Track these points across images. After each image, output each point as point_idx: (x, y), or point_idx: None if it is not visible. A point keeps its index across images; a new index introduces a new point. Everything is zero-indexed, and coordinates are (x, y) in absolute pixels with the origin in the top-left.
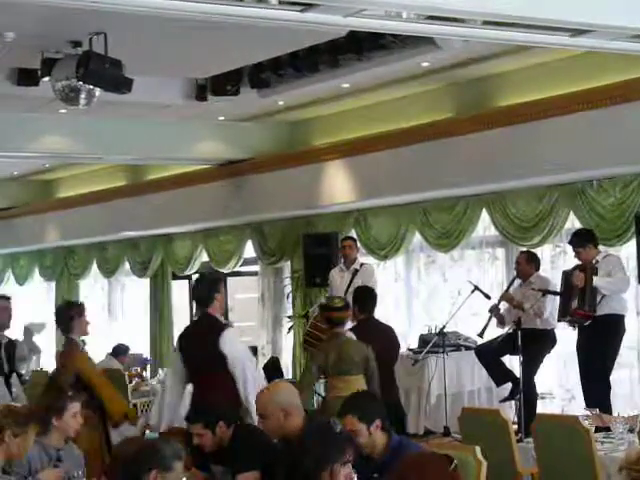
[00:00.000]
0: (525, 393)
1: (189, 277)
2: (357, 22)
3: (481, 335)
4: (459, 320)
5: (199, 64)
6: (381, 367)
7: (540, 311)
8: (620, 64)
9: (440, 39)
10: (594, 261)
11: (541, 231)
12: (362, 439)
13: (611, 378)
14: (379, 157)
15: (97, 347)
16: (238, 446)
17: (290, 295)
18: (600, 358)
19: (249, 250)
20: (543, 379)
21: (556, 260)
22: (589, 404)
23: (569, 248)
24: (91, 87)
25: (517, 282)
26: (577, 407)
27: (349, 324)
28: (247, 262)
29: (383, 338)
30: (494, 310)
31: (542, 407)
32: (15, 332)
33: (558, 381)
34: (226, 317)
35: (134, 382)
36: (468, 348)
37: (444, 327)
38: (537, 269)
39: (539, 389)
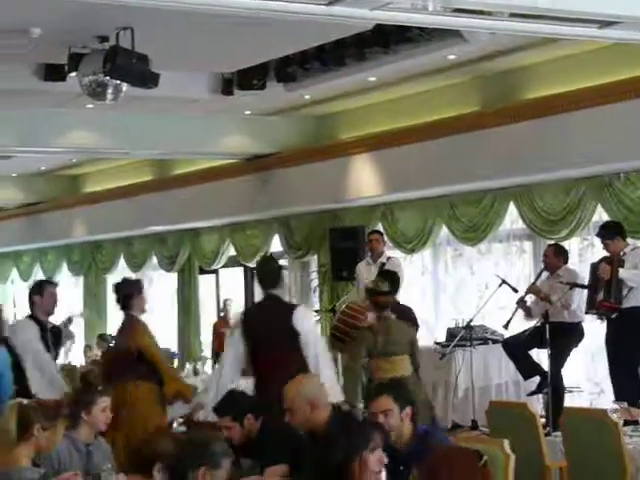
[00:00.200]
0: (553, 386)
1: (216, 271)
2: (383, 15)
3: (506, 327)
4: (486, 314)
5: (225, 58)
6: None
7: (568, 303)
8: None
9: (467, 32)
10: (622, 253)
11: (569, 224)
12: (393, 420)
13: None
14: (406, 151)
15: None
16: (266, 439)
17: (317, 289)
18: (628, 351)
19: (276, 244)
20: (571, 372)
21: (584, 253)
22: (618, 397)
23: (597, 241)
24: (118, 82)
25: (545, 275)
26: (605, 401)
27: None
28: (274, 256)
29: (402, 319)
30: (521, 302)
31: (570, 401)
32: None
33: (586, 374)
34: None
35: None
36: (495, 342)
37: (471, 320)
38: (565, 262)
39: (567, 383)
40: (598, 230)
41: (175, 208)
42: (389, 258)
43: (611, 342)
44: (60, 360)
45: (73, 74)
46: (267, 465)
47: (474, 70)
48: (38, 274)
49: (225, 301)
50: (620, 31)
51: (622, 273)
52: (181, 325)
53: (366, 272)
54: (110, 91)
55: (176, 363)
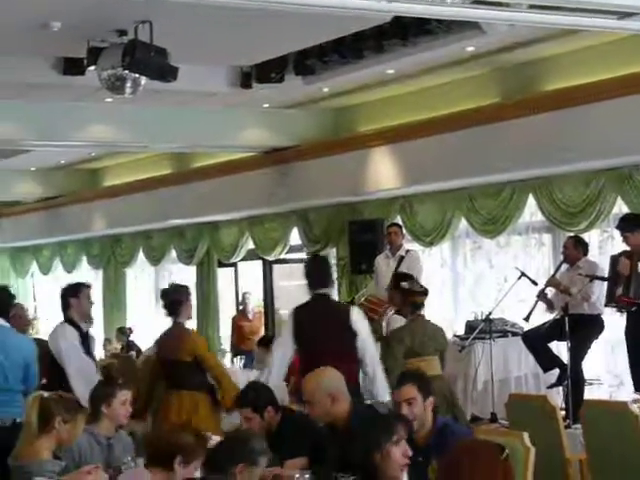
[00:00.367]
0: (573, 379)
1: (235, 264)
2: (402, 7)
3: (527, 319)
4: (505, 306)
5: (244, 52)
6: None
7: (587, 295)
8: None
9: (485, 24)
10: None
11: (588, 216)
12: (417, 409)
13: None
14: (424, 143)
15: (144, 335)
16: (286, 431)
17: (335, 282)
18: None
19: (294, 237)
20: (591, 365)
21: (604, 245)
22: (638, 389)
23: (617, 233)
24: (137, 76)
25: (564, 267)
26: (625, 393)
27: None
28: (293, 249)
29: None
30: (541, 295)
31: (590, 393)
32: None
33: (606, 367)
34: (272, 304)
35: None
36: (515, 334)
37: (490, 313)
38: (585, 254)
39: (587, 375)
40: (618, 222)
41: (194, 201)
42: (408, 251)
43: (631, 334)
44: None
45: (92, 68)
46: (286, 458)
47: (493, 62)
48: (58, 268)
49: (244, 294)
50: (639, 22)
51: None
52: (200, 318)
53: (385, 265)
54: (129, 85)
55: None
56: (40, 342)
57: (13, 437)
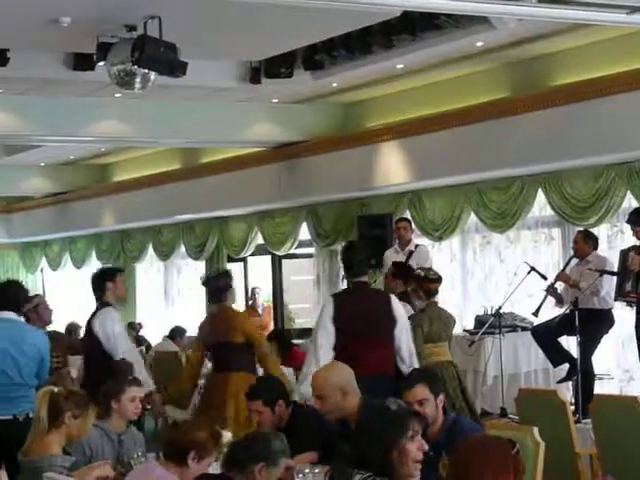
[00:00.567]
0: (583, 374)
1: (244, 259)
2: (411, 2)
3: (536, 314)
4: (515, 301)
5: (253, 47)
6: None
7: (597, 290)
8: None
9: (495, 18)
10: None
11: (598, 211)
12: (429, 409)
13: None
14: (433, 138)
15: (154, 330)
16: (297, 426)
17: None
18: None
19: (304, 232)
20: (601, 360)
21: (613, 240)
22: None
23: (626, 228)
24: (146, 71)
25: (574, 261)
26: (636, 387)
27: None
28: (302, 244)
29: None
30: (551, 290)
31: (600, 388)
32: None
33: (616, 362)
34: (281, 299)
35: None
36: (524, 329)
37: (500, 308)
38: (595, 248)
39: (597, 370)
40: (628, 217)
41: (203, 196)
42: (417, 246)
43: None
44: None
45: (102, 63)
46: (296, 452)
47: (502, 57)
48: (67, 263)
49: (253, 289)
50: None
51: None
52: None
53: (394, 260)
54: (138, 80)
55: None
56: (53, 335)
57: (26, 432)
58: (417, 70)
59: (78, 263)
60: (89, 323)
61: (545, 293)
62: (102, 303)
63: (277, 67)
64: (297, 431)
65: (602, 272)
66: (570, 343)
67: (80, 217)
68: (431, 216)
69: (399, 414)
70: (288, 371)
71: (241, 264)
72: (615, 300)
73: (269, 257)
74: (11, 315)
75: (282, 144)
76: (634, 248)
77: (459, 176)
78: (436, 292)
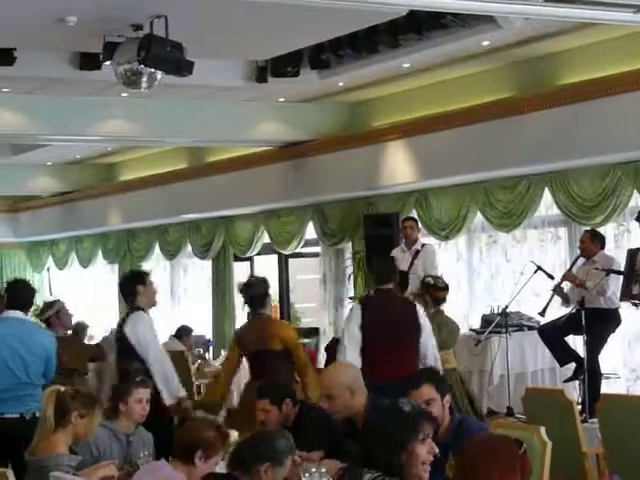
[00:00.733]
0: (589, 373)
1: (251, 259)
2: (417, 1)
3: (542, 314)
4: (521, 300)
5: (259, 46)
6: None
7: (603, 289)
8: None
9: (501, 17)
10: None
11: (604, 210)
12: (436, 409)
13: None
14: (440, 137)
15: (160, 329)
16: (303, 425)
17: (351, 276)
18: None
19: (310, 231)
20: (607, 359)
21: (620, 239)
22: None
23: (633, 227)
24: (152, 70)
25: (581, 261)
26: None
27: None
28: (308, 243)
29: None
30: (557, 289)
31: (607, 387)
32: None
33: (623, 361)
34: (287, 298)
35: (197, 364)
36: (531, 328)
37: (507, 307)
38: (602, 248)
39: (603, 369)
40: (637, 215)
41: (209, 196)
42: (423, 245)
43: None
44: None
45: (108, 63)
46: (303, 452)
47: (508, 56)
48: (74, 262)
49: None
50: None
51: None
52: (215, 313)
53: (400, 259)
54: (145, 79)
55: (211, 351)
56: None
57: (32, 431)
58: (423, 69)
59: (84, 262)
60: (120, 327)
61: (552, 292)
62: (133, 307)
63: (283, 66)
64: (304, 430)
65: (609, 271)
66: (577, 342)
67: (86, 216)
68: (437, 215)
69: (411, 415)
70: None
71: (247, 263)
72: (621, 300)
73: (275, 256)
74: (19, 314)
75: (288, 143)
76: None
77: (465, 175)
78: (444, 300)
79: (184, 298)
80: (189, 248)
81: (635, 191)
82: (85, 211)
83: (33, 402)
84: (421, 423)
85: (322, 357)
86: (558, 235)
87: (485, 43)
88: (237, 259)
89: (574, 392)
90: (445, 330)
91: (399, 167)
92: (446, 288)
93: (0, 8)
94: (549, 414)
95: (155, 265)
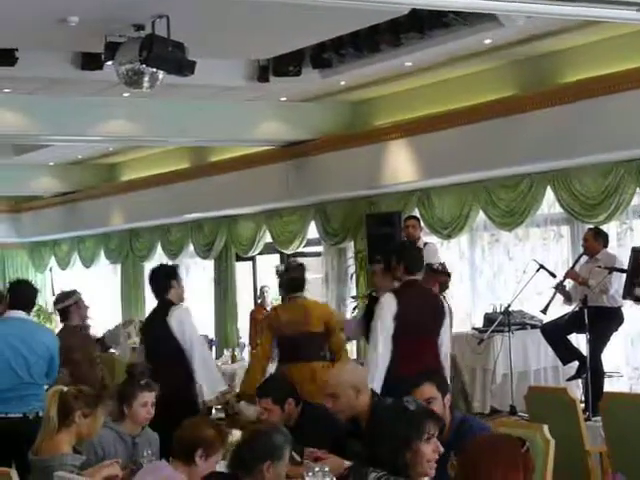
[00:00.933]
0: (592, 371)
1: (253, 258)
2: (419, 0)
3: (544, 312)
4: (524, 299)
5: (261, 45)
6: None
7: (605, 288)
8: None
9: (503, 16)
10: None
11: (607, 208)
12: (437, 408)
13: None
14: (442, 136)
15: None
16: (306, 424)
17: (354, 275)
18: None
19: (312, 231)
20: (610, 357)
21: (622, 237)
22: None
23: (636, 225)
24: (154, 70)
25: (584, 259)
26: None
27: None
28: (310, 243)
29: None
30: (559, 287)
31: (610, 386)
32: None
33: (626, 359)
34: None
35: None
36: (534, 327)
37: (509, 306)
38: (605, 246)
39: (606, 367)
40: None
41: (211, 195)
42: (426, 244)
43: None
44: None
45: (110, 63)
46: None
47: (511, 54)
48: (76, 262)
49: (262, 288)
50: None
51: None
52: (218, 312)
53: None
54: (146, 79)
55: (214, 350)
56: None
57: (36, 431)
58: (425, 68)
59: (87, 262)
60: (159, 323)
61: (554, 291)
62: (165, 301)
63: (285, 65)
64: (306, 430)
65: (611, 270)
66: (579, 341)
67: (89, 216)
68: (440, 214)
69: (416, 415)
70: None
71: (249, 263)
72: (623, 298)
73: (277, 256)
74: (21, 314)
75: (290, 142)
76: None
77: (467, 174)
78: (447, 287)
79: (186, 298)
80: (191, 248)
81: (638, 189)
82: (87, 211)
83: (36, 402)
84: (426, 422)
85: None
86: (561, 233)
87: (487, 41)
88: (239, 259)
89: (577, 390)
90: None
91: (401, 166)
92: (449, 275)
93: (1, 8)
94: (552, 412)
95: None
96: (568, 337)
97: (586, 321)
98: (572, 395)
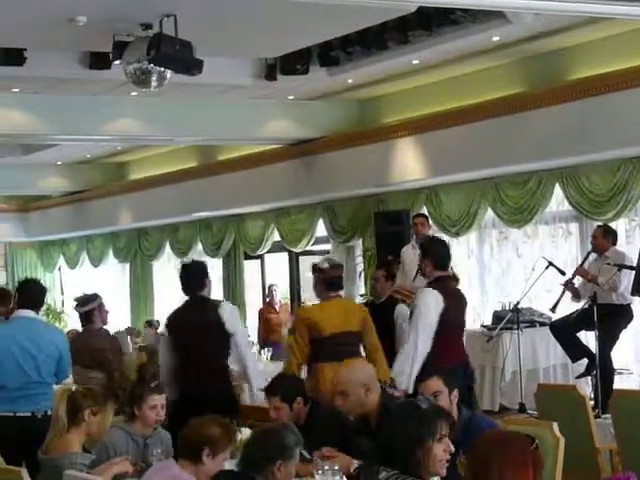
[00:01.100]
0: (602, 369)
1: (261, 257)
2: None
3: (553, 310)
4: (533, 296)
5: (268, 44)
6: None
7: (615, 285)
8: None
9: (511, 13)
10: None
11: (615, 205)
12: (443, 402)
13: None
14: (450, 133)
15: None
16: (315, 423)
17: (362, 273)
18: None
19: (321, 229)
20: (620, 355)
21: (631, 234)
22: None
23: None
24: (162, 69)
25: (592, 256)
26: None
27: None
28: (319, 241)
29: None
30: (568, 284)
31: (619, 383)
32: None
33: (635, 356)
34: (298, 296)
35: None
36: (543, 324)
37: (518, 303)
38: (614, 243)
39: (616, 364)
40: None
41: (220, 194)
42: None
43: None
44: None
45: (118, 62)
46: (314, 449)
47: (519, 51)
48: (85, 261)
49: (270, 286)
50: None
51: None
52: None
53: (411, 256)
54: (154, 78)
55: None
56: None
57: (44, 429)
58: (433, 66)
59: (95, 262)
60: (204, 316)
61: (563, 288)
62: (196, 298)
63: (293, 64)
64: (315, 428)
65: (620, 267)
66: (589, 338)
67: (97, 216)
68: (448, 212)
69: (428, 414)
70: None
71: (258, 261)
72: (632, 295)
73: (286, 254)
74: (30, 313)
75: (298, 141)
76: None
77: (476, 171)
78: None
79: None
80: (200, 246)
81: None
82: (96, 210)
83: (45, 400)
84: (438, 421)
85: None
86: (569, 231)
87: (495, 39)
88: (247, 257)
89: (586, 388)
90: None
91: (409, 164)
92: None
93: (10, 9)
94: (562, 410)
95: (166, 263)
96: (577, 334)
97: (595, 318)
98: (582, 392)
